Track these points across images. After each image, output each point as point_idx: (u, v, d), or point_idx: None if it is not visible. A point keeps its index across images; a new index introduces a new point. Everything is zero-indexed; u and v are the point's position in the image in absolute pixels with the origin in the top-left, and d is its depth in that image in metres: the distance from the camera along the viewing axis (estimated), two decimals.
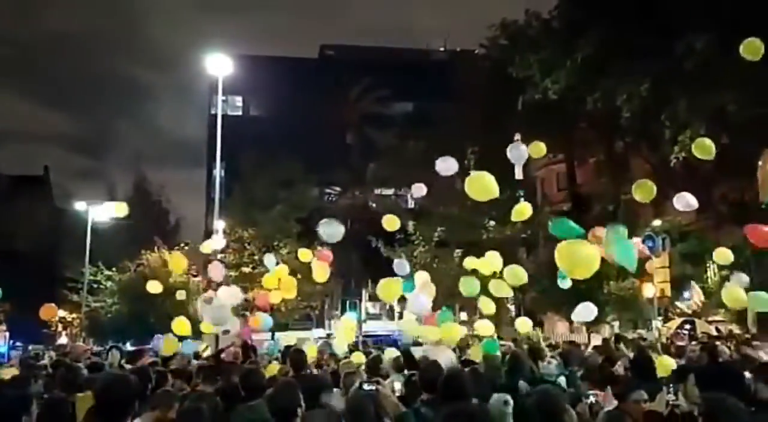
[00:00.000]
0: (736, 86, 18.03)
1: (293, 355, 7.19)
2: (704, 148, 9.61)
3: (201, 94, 60.73)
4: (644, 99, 18.68)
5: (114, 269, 32.55)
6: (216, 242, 18.51)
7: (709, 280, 26.69)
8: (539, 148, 10.73)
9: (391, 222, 12.94)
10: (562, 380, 6.84)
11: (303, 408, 4.44)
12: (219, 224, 21.80)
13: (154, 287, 16.63)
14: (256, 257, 32.92)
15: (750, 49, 8.86)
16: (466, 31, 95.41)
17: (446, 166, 10.97)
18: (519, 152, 10.94)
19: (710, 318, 22.42)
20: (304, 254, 13.85)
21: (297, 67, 58.99)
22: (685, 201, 10.10)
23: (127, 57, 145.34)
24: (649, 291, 16.23)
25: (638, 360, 6.86)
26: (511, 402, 4.84)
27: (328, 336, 25.45)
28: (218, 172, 20.41)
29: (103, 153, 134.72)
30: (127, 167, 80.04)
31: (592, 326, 29.42)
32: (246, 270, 33.39)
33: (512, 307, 40.21)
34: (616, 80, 19.94)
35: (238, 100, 59.83)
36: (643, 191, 10.08)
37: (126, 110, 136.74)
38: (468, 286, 10.90)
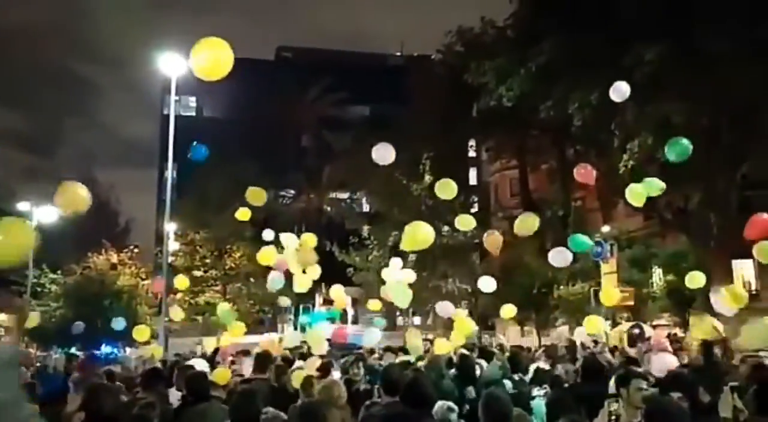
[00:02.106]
0: (682, 97, 18.60)
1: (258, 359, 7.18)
2: (681, 150, 10.01)
3: (153, 94, 59.69)
4: (595, 108, 19.10)
5: (59, 272, 31.64)
6: (168, 245, 18.20)
7: (654, 285, 27.51)
8: None
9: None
10: (508, 383, 6.85)
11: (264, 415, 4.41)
12: (170, 227, 21.37)
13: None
14: (208, 260, 32.53)
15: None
16: (422, 37, 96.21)
17: (382, 154, 10.72)
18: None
19: (654, 322, 23.06)
20: (266, 256, 13.39)
21: (253, 68, 58.24)
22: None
23: (77, 54, 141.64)
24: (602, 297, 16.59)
25: (588, 364, 6.96)
26: (456, 409, 4.85)
27: (280, 340, 25.17)
28: (170, 173, 19.98)
29: (51, 151, 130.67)
30: (76, 166, 77.90)
31: (542, 329, 29.96)
32: (197, 273, 32.93)
33: (465, 311, 40.71)
34: (568, 89, 20.33)
35: (192, 101, 58.92)
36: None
37: (75, 108, 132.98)
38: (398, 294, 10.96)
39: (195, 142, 11.91)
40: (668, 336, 19.01)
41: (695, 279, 11.66)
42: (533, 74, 21.34)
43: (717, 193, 21.36)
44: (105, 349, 26.09)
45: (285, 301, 15.34)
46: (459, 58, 30.90)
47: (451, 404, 4.74)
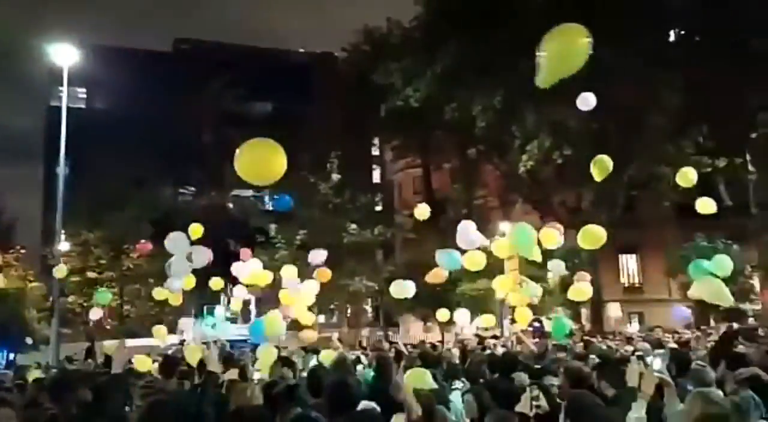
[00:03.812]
0: (576, 102, 19.72)
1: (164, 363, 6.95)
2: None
3: (36, 84, 55.95)
4: (498, 111, 19.89)
5: None
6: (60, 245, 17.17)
7: (550, 280, 28.86)
8: None
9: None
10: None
11: None
12: (60, 226, 20.10)
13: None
14: (103, 261, 31.00)
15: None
16: (326, 34, 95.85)
17: None
18: None
19: (551, 316, 24.16)
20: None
21: (148, 60, 56.01)
22: (586, 100, 10.89)
23: None
24: (500, 291, 17.16)
25: (500, 359, 7.24)
26: (378, 409, 4.95)
27: (182, 343, 24.42)
28: (62, 168, 18.84)
29: None
30: None
31: (445, 326, 30.70)
32: (91, 275, 31.33)
33: (370, 309, 41.08)
34: (472, 92, 21.05)
35: (82, 92, 55.74)
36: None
37: None
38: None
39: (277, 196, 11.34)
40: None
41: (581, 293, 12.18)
42: (439, 76, 21.89)
43: (606, 192, 22.79)
44: None
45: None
46: (365, 58, 31.13)
47: (374, 404, 4.82)
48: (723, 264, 8.73)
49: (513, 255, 14.37)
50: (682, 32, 23.26)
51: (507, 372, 6.33)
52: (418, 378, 5.45)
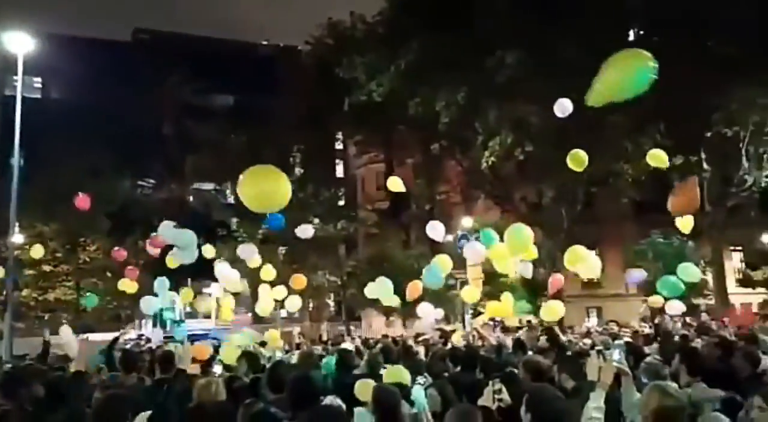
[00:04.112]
0: (538, 100, 20.01)
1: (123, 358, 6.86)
2: (658, 159, 10.75)
3: None
4: (461, 107, 20.02)
5: None
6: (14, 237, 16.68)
7: (510, 275, 29.26)
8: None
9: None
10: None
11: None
12: (14, 218, 19.53)
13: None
14: (59, 254, 30.25)
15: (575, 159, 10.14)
16: (290, 27, 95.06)
17: None
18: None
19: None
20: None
21: (106, 49, 54.70)
22: (563, 106, 11.14)
23: None
24: (465, 293, 17.37)
25: (462, 353, 7.32)
26: (343, 405, 4.95)
27: (140, 337, 24.05)
28: (17, 159, 18.29)
29: None
30: None
31: (407, 319, 30.87)
32: (47, 268, 30.58)
33: (332, 303, 41.02)
34: (435, 88, 21.15)
35: (37, 81, 54.18)
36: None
37: None
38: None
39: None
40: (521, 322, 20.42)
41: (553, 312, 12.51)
42: (402, 71, 21.94)
43: (566, 189, 23.17)
44: None
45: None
46: (328, 51, 30.99)
47: (338, 400, 4.82)
48: (690, 271, 9.34)
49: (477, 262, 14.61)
50: (641, 32, 23.76)
51: (469, 366, 6.40)
52: (395, 376, 5.48)
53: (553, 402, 3.47)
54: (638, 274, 13.23)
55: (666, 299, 11.18)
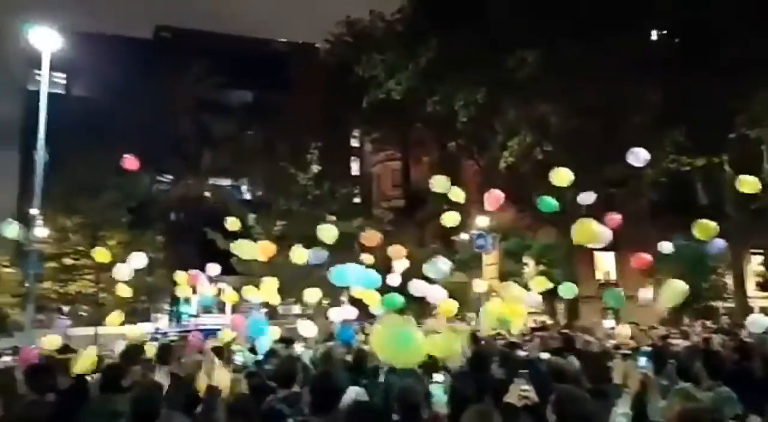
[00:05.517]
0: (557, 99, 19.90)
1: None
2: (750, 185, 10.62)
3: (13, 67, 54.87)
4: (480, 106, 19.96)
5: None
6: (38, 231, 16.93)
7: (525, 275, 29.17)
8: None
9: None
10: None
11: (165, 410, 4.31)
12: (37, 212, 19.84)
13: None
14: (81, 248, 30.58)
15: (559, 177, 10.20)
16: (308, 25, 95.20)
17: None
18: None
19: (528, 311, 24.42)
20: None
21: (129, 46, 55.16)
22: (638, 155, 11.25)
23: None
24: (479, 286, 17.37)
25: (476, 353, 7.32)
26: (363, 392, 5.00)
27: (157, 330, 24.35)
28: (41, 154, 18.53)
29: None
30: None
31: (420, 318, 30.81)
32: (68, 261, 30.98)
33: (347, 301, 41.08)
34: (454, 86, 21.08)
35: (61, 78, 54.75)
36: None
37: None
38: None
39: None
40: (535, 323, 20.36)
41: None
42: (421, 69, 21.91)
43: (583, 189, 22.97)
44: None
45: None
46: (347, 49, 31.02)
47: (360, 390, 4.87)
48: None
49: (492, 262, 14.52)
50: (664, 32, 23.52)
51: (486, 364, 6.40)
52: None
53: (581, 403, 3.48)
54: (720, 243, 12.98)
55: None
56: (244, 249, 12.11)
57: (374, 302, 11.53)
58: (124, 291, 12.69)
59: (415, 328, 5.33)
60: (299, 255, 12.41)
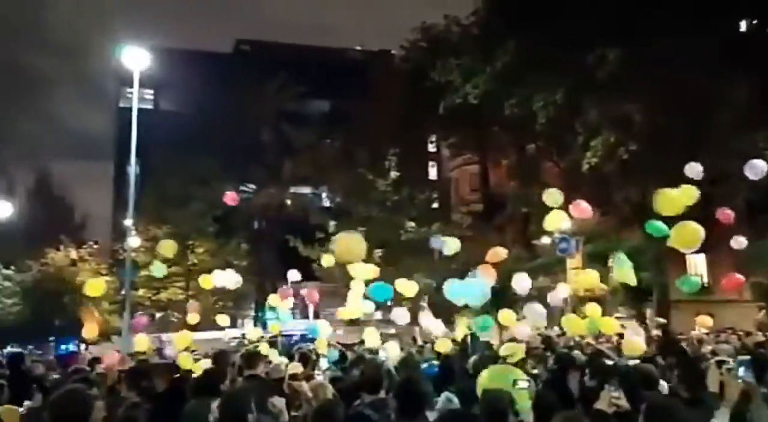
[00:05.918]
0: (642, 98, 19.19)
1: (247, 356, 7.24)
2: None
3: (106, 85, 58.24)
4: (559, 107, 19.55)
5: (12, 268, 30.75)
6: (132, 240, 17.94)
7: (612, 279, 28.21)
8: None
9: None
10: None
11: (254, 414, 4.42)
12: (130, 222, 20.99)
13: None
14: (171, 256, 32.00)
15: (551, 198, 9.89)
16: (382, 32, 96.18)
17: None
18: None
19: (615, 315, 23.67)
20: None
21: (211, 61, 57.52)
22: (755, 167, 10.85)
23: (25, 44, 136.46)
24: (562, 290, 16.94)
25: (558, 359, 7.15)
26: (455, 399, 4.99)
27: (243, 336, 25.00)
28: (132, 167, 19.58)
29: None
30: (25, 161, 75.35)
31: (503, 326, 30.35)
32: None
33: (426, 306, 41.00)
34: (532, 88, 20.72)
35: (149, 94, 57.63)
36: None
37: (24, 100, 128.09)
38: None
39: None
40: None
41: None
42: (498, 73, 21.66)
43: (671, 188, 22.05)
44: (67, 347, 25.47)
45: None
46: (423, 55, 31.08)
47: (451, 395, 4.88)
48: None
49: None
50: (754, 22, 22.31)
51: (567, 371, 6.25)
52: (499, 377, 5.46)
53: (674, 413, 3.36)
54: None
55: None
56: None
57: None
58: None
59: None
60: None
